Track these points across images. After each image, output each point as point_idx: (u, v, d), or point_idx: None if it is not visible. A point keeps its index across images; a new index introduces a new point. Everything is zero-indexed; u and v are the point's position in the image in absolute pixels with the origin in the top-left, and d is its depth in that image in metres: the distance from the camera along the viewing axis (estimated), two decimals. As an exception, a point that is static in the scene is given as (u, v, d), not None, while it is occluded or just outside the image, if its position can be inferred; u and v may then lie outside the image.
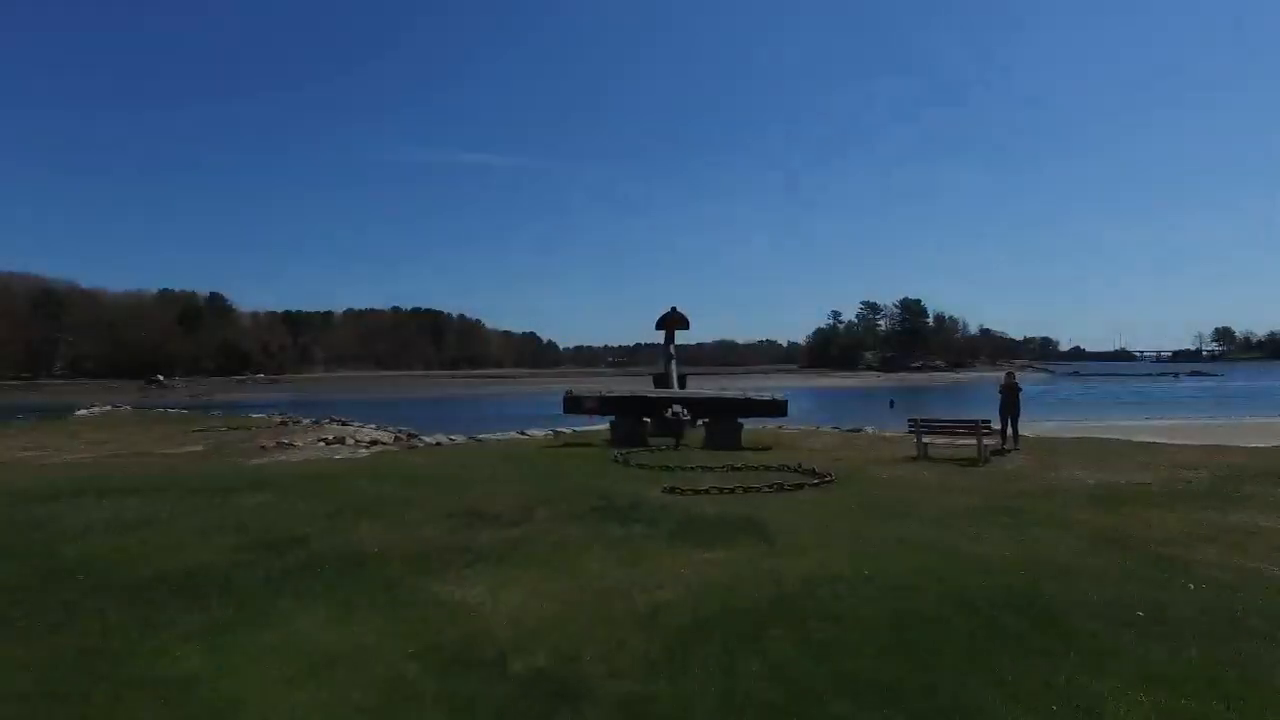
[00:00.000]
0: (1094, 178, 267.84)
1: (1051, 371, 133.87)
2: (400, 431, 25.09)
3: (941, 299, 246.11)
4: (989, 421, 15.14)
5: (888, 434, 20.91)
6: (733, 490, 10.97)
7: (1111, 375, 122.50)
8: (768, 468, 13.41)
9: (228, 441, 21.09)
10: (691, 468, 13.33)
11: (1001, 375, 17.55)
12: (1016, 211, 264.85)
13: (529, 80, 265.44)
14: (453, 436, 20.06)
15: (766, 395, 17.97)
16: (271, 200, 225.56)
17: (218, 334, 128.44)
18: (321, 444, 21.36)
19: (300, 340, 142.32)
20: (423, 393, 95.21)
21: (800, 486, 11.44)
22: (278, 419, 28.50)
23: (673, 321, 22.13)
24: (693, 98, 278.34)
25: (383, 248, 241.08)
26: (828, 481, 11.90)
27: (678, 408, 16.87)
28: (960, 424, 15.31)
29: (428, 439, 21.05)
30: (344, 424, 27.17)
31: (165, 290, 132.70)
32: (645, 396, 17.95)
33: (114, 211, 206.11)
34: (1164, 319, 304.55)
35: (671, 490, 10.95)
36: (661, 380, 20.68)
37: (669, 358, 21.32)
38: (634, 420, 17.17)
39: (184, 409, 41.36)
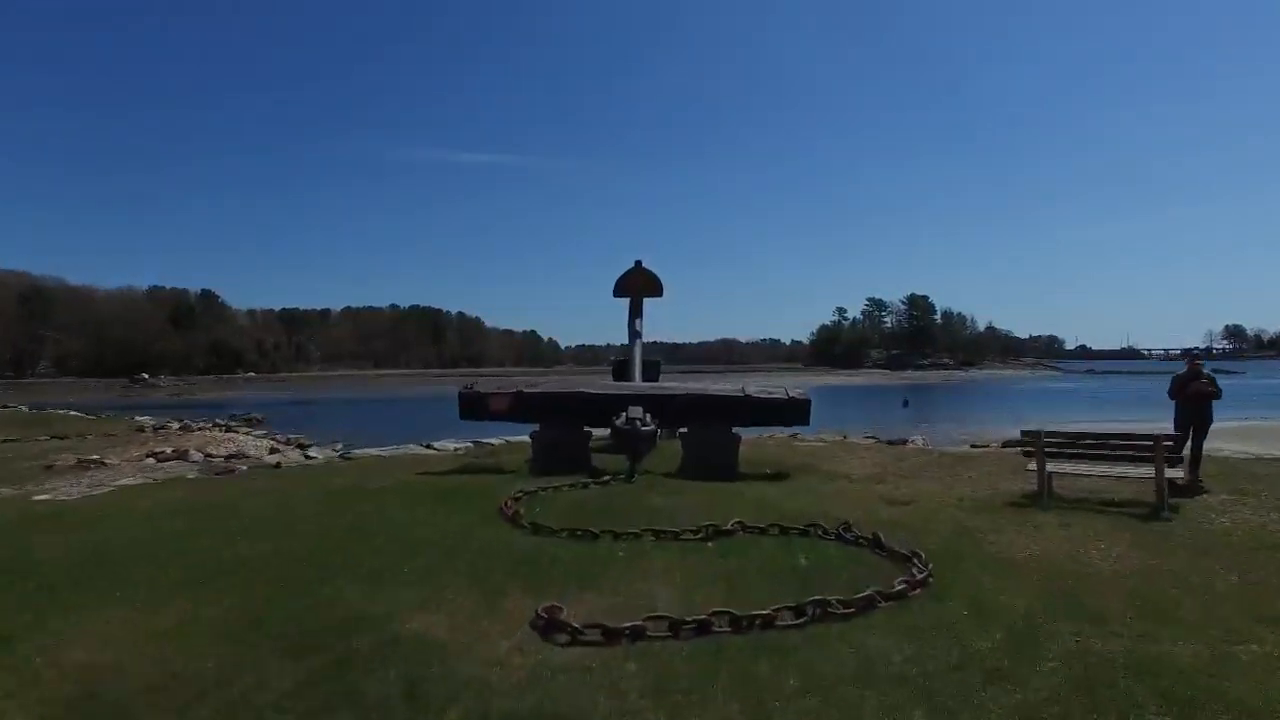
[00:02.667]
0: (1098, 174, 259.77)
1: (1061, 370, 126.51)
2: (290, 440, 18.59)
3: (944, 297, 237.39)
4: (1177, 437, 8.31)
5: (951, 450, 14.13)
6: (706, 626, 4.25)
7: (1128, 373, 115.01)
8: (784, 530, 6.67)
9: (10, 458, 14.53)
10: (636, 533, 6.55)
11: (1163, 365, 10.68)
12: (1018, 208, 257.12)
13: (529, 79, 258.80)
14: (310, 453, 13.40)
15: (778, 392, 11.12)
16: (271, 200, 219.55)
17: (210, 332, 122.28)
18: (149, 460, 14.81)
19: (295, 339, 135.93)
20: (411, 391, 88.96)
21: (869, 604, 4.70)
22: (138, 422, 21.94)
23: (636, 284, 15.06)
24: (693, 95, 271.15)
25: (383, 248, 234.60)
26: (923, 582, 5.16)
27: (636, 410, 10.13)
28: (1121, 441, 8.48)
29: (301, 454, 14.46)
30: (229, 429, 20.66)
31: (156, 288, 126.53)
32: (584, 394, 11.08)
33: (111, 211, 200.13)
34: (1169, 318, 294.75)
35: (548, 624, 4.23)
36: (622, 371, 13.76)
37: (634, 336, 14.41)
38: (570, 431, 10.44)
39: (127, 409, 35.34)
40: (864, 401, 65.33)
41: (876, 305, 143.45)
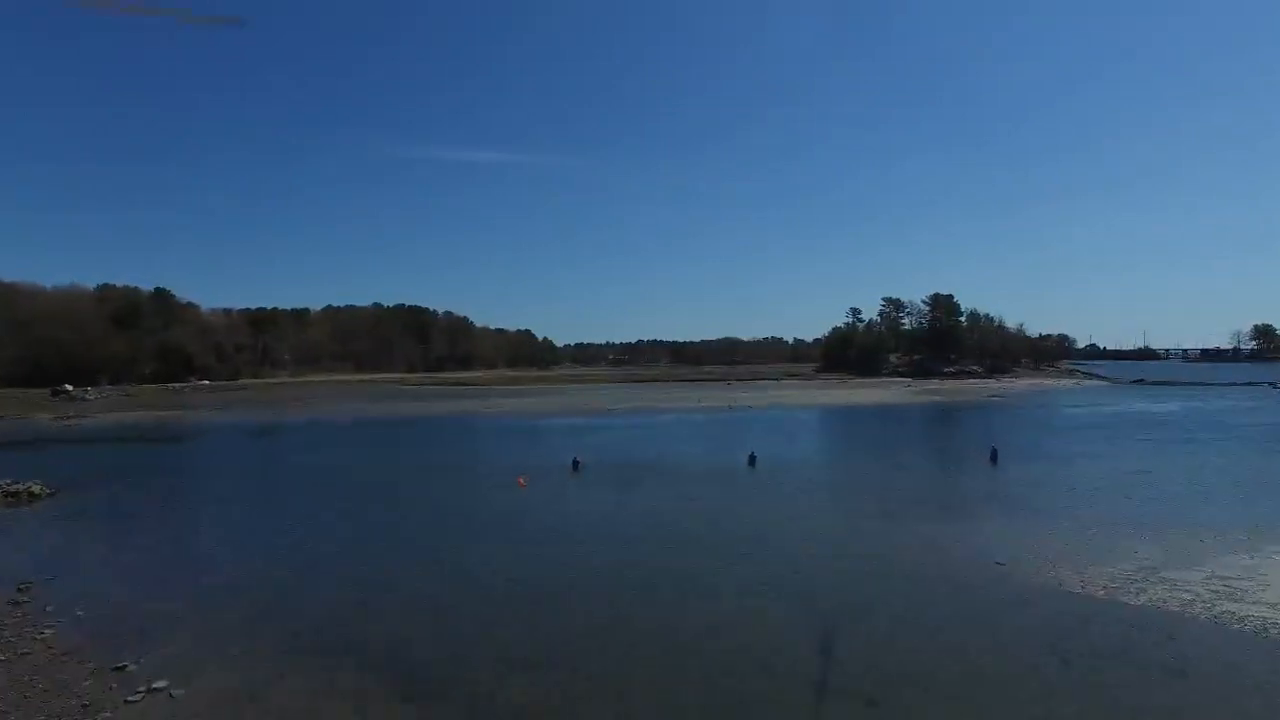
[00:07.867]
0: (1102, 171, 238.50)
1: (1108, 380, 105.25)
2: None
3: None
4: None
5: None
6: None
7: (1179, 383, 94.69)
8: None
9: None
10: None
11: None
12: (1019, 204, 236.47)
13: (524, 78, 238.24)
14: None
15: None
16: (257, 198, 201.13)
17: (161, 334, 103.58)
18: None
19: (261, 340, 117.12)
20: (389, 410, 69.46)
21: None
22: None
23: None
24: (692, 93, 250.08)
25: (376, 248, 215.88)
26: None
27: None
28: None
29: None
30: None
31: (105, 286, 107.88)
32: None
33: (93, 208, 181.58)
34: (1184, 316, 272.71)
35: None
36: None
37: None
38: None
39: None
40: (906, 439, 43.26)
41: (894, 305, 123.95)
